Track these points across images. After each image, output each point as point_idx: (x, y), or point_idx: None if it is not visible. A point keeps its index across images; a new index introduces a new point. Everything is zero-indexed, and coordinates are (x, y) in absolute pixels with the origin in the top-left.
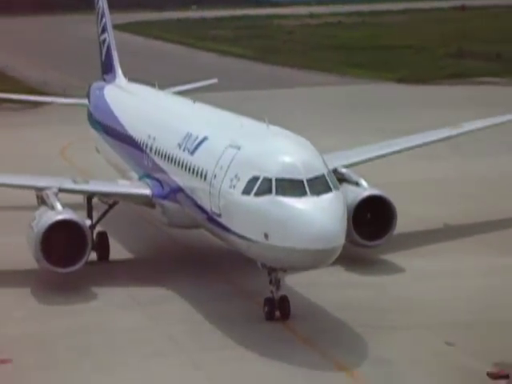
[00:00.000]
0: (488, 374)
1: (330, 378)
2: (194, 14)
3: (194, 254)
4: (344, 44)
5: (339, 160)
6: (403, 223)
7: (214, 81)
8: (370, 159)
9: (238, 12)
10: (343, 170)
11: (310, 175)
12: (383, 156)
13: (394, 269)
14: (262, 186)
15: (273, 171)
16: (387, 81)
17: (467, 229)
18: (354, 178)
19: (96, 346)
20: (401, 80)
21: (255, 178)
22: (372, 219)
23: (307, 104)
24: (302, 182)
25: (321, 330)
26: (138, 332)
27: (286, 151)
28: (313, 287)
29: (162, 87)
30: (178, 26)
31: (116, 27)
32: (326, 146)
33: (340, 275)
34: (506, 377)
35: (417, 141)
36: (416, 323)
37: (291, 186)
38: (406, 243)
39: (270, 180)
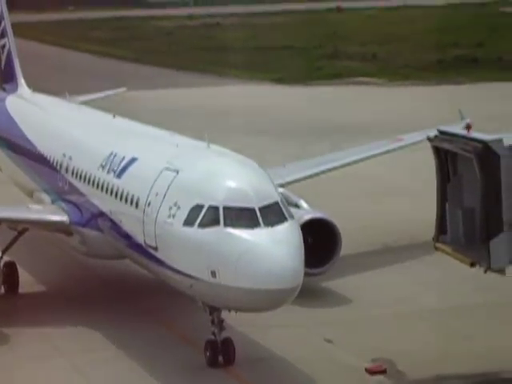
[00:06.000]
0: (366, 369)
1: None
2: (71, 15)
3: (115, 288)
4: (223, 45)
5: (274, 179)
6: None
7: (123, 89)
8: (307, 177)
9: (116, 13)
10: (280, 190)
11: (263, 203)
12: (321, 173)
13: None
14: (208, 216)
15: (220, 198)
16: (265, 81)
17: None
18: (294, 199)
19: None
20: (278, 80)
21: (199, 207)
22: (314, 244)
23: (187, 106)
24: (254, 210)
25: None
26: None
27: (233, 175)
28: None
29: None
30: (56, 27)
31: None
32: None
33: None
34: (384, 372)
35: (354, 156)
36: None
37: (242, 216)
38: None
39: (217, 209)
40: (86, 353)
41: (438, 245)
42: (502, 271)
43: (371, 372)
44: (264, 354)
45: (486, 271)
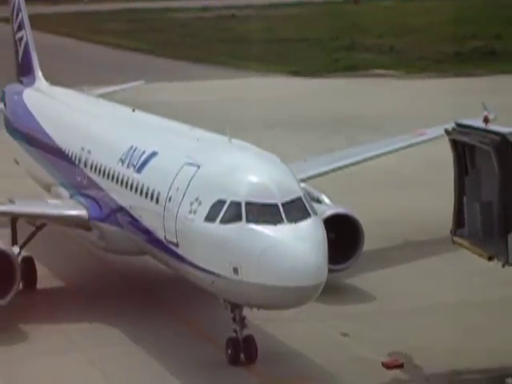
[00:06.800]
0: (383, 363)
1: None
2: (86, 7)
3: (135, 283)
4: (238, 37)
5: (295, 173)
6: None
7: (141, 82)
8: (329, 171)
9: (131, 5)
10: (302, 185)
11: (286, 198)
12: (343, 167)
13: None
14: (230, 212)
15: (242, 194)
16: (281, 74)
17: None
18: (315, 194)
19: None
20: (295, 73)
21: (221, 202)
22: (336, 240)
23: (202, 99)
24: (277, 206)
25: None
26: None
27: (256, 170)
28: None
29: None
30: (71, 19)
31: (5, 20)
32: None
33: None
34: (401, 366)
35: (375, 150)
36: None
37: (264, 212)
38: None
39: (239, 204)
40: (102, 347)
41: (456, 238)
42: None
43: (388, 366)
44: (282, 349)
45: (503, 265)
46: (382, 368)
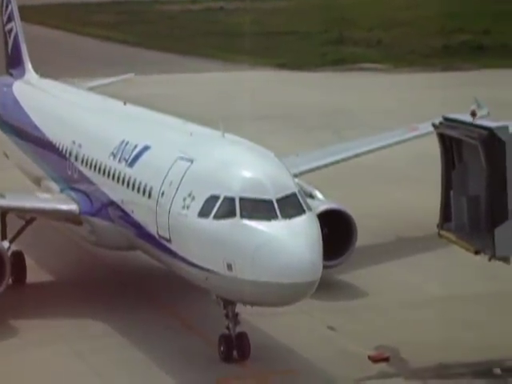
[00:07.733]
0: (369, 357)
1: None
2: None
3: (126, 278)
4: (226, 30)
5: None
6: None
7: (131, 75)
8: (321, 166)
9: None
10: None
11: (280, 194)
12: (335, 163)
13: None
14: (223, 208)
15: (236, 189)
16: (269, 67)
17: None
18: (308, 189)
19: None
20: (283, 66)
21: (214, 198)
22: (329, 235)
23: (189, 92)
24: (272, 202)
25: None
26: None
27: (250, 165)
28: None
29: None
30: (59, 10)
31: None
32: None
33: None
34: (387, 360)
35: (368, 146)
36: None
37: (258, 208)
38: None
39: (233, 200)
40: (90, 340)
41: (443, 232)
42: (506, 259)
43: (374, 360)
44: (270, 342)
45: (490, 259)
46: (368, 361)
